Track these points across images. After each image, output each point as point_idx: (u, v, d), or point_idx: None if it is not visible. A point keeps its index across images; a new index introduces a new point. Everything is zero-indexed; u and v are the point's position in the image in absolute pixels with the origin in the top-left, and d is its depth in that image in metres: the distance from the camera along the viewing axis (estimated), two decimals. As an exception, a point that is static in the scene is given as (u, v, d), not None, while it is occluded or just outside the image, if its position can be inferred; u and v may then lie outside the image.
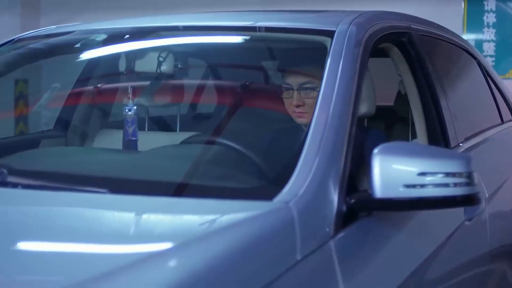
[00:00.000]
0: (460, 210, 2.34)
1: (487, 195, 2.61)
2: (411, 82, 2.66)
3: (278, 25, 2.43)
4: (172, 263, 1.37)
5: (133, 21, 2.77)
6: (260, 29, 2.42)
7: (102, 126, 3.36)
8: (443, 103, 2.66)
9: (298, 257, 1.52)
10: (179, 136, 3.12)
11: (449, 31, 3.28)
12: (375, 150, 1.78)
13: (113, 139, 3.14)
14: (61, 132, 3.32)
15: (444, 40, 3.12)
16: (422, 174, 1.76)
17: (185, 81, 3.08)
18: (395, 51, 2.67)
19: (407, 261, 1.91)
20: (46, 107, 3.33)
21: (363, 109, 2.83)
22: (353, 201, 1.75)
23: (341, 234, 1.68)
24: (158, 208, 1.65)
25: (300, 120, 2.64)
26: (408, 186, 1.75)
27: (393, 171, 1.75)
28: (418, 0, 6.23)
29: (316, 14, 2.68)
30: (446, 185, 1.77)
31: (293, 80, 2.61)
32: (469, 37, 6.29)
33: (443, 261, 2.14)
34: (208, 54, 3.20)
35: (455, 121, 2.70)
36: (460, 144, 2.66)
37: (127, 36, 2.75)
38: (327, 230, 1.65)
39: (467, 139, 2.78)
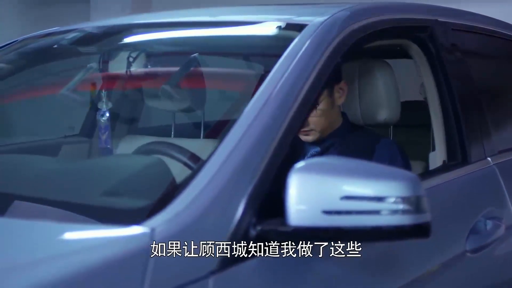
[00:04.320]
0: (460, 237, 1.93)
1: (513, 220, 2.17)
2: (432, 84, 2.27)
3: (243, 20, 2.13)
4: None
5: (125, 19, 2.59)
6: (222, 24, 2.13)
7: (129, 132, 3.18)
8: (469, 110, 2.24)
9: (143, 298, 1.23)
10: (203, 143, 2.89)
11: (506, 24, 2.80)
12: (296, 166, 1.45)
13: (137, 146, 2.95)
14: (86, 137, 3.19)
15: (492, 36, 2.66)
16: (349, 198, 1.41)
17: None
18: (415, 49, 2.29)
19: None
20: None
21: (383, 115, 2.48)
22: (259, 228, 1.43)
23: (230, 271, 1.36)
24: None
25: (305, 138, 2.44)
26: (329, 212, 1.41)
27: (312, 193, 1.42)
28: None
29: (302, 7, 2.33)
30: (387, 212, 1.42)
31: None
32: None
33: None
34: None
35: (485, 132, 2.27)
36: (488, 159, 2.23)
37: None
38: (208, 264, 1.34)
39: (502, 152, 2.33)
